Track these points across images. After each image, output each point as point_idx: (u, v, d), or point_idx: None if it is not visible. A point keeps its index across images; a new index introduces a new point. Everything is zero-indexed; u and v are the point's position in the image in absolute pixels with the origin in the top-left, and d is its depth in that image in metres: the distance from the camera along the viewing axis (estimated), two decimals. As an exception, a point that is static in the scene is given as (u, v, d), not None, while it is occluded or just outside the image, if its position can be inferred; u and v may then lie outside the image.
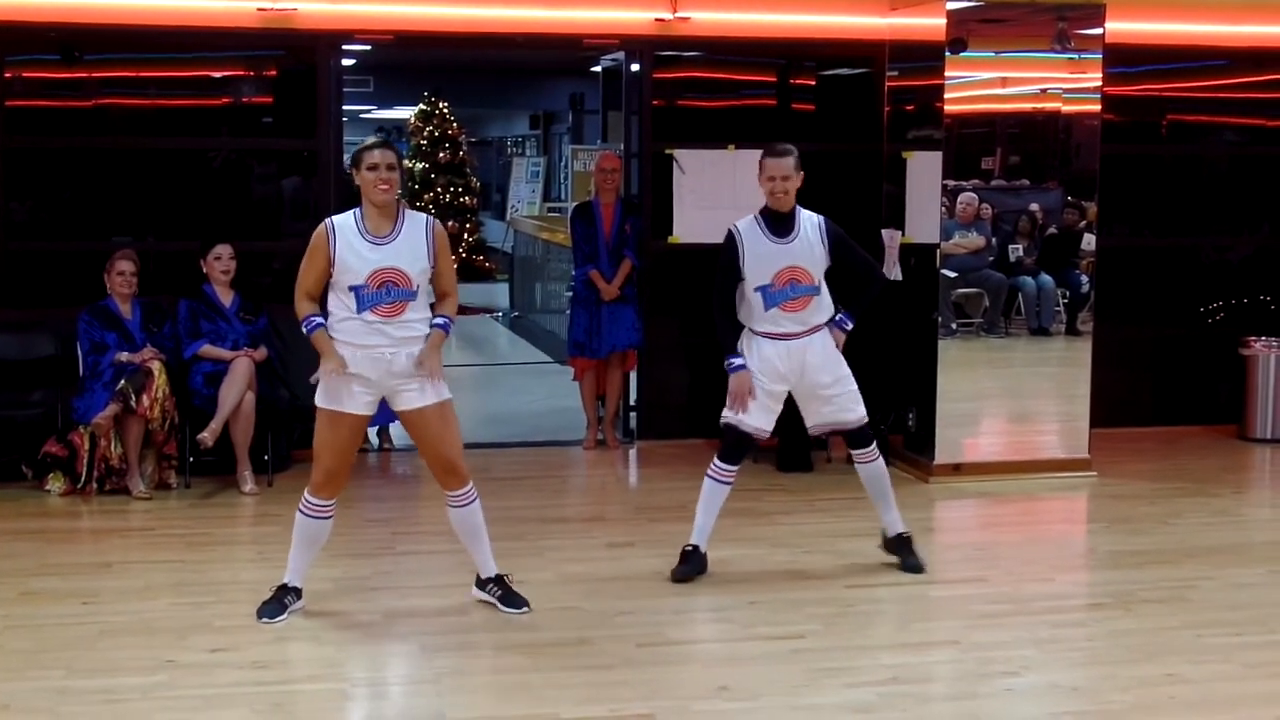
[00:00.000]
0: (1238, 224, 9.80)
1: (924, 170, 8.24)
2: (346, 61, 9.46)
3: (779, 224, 6.05)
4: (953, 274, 8.16)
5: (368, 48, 10.24)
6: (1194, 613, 5.77)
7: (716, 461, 6.16)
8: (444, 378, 5.49)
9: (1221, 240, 9.81)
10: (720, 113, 9.14)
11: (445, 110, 19.58)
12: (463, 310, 5.69)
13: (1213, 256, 9.82)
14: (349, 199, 7.95)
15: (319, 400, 5.43)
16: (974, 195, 8.17)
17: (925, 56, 8.19)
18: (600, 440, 8.93)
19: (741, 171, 7.90)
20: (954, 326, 8.23)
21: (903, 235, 8.42)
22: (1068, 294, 8.41)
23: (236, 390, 7.54)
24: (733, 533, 6.58)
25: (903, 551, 6.29)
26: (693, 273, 8.30)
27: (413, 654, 5.33)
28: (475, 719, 4.70)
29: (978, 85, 8.20)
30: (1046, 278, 8.36)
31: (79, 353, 7.72)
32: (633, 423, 9.16)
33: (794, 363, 6.05)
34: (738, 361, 6.04)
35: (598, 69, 13.42)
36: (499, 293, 17.24)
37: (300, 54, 8.56)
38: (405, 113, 20.74)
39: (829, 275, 6.12)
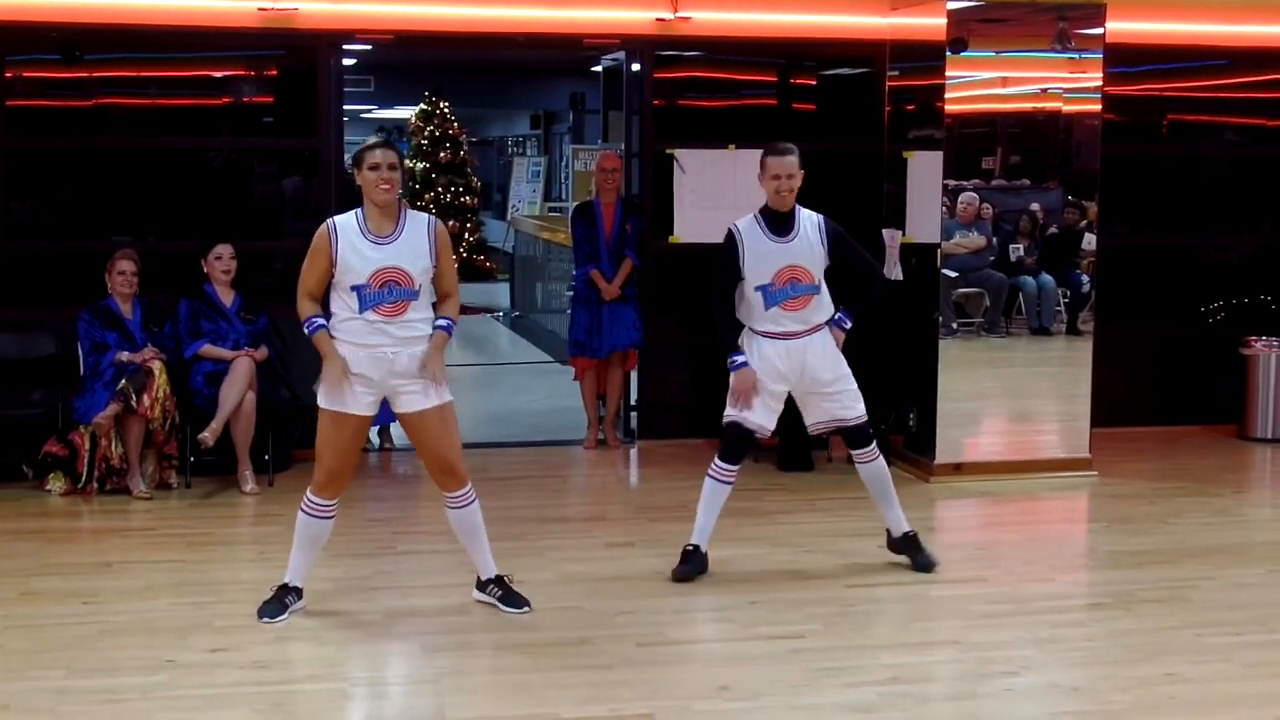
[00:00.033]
0: (1238, 224, 9.80)
1: (925, 170, 8.24)
2: (347, 61, 9.46)
3: (779, 223, 6.05)
4: (953, 274, 8.16)
5: (368, 47, 10.24)
6: (1194, 613, 5.77)
7: (717, 461, 6.16)
8: (446, 380, 5.49)
9: (1222, 240, 9.81)
10: (721, 112, 9.14)
11: (446, 110, 19.59)
12: (463, 310, 5.70)
13: (1213, 256, 9.82)
14: (350, 199, 7.95)
15: (321, 400, 5.43)
16: (975, 195, 8.17)
17: (926, 56, 8.19)
18: (601, 440, 8.94)
19: (742, 171, 7.90)
20: (955, 326, 8.23)
21: (903, 235, 8.42)
22: (1068, 294, 8.41)
23: (237, 390, 7.55)
24: (733, 532, 6.58)
25: (911, 550, 6.29)
26: (693, 272, 8.31)
27: (413, 654, 5.33)
28: (475, 719, 4.70)
29: (978, 85, 8.20)
30: (1047, 277, 8.36)
31: (79, 352, 7.73)
32: (633, 422, 9.16)
33: (794, 362, 6.05)
34: (740, 359, 6.04)
35: (598, 69, 13.43)
36: (500, 292, 17.25)
37: (301, 53, 8.56)
38: (406, 112, 20.76)
39: (829, 274, 6.13)
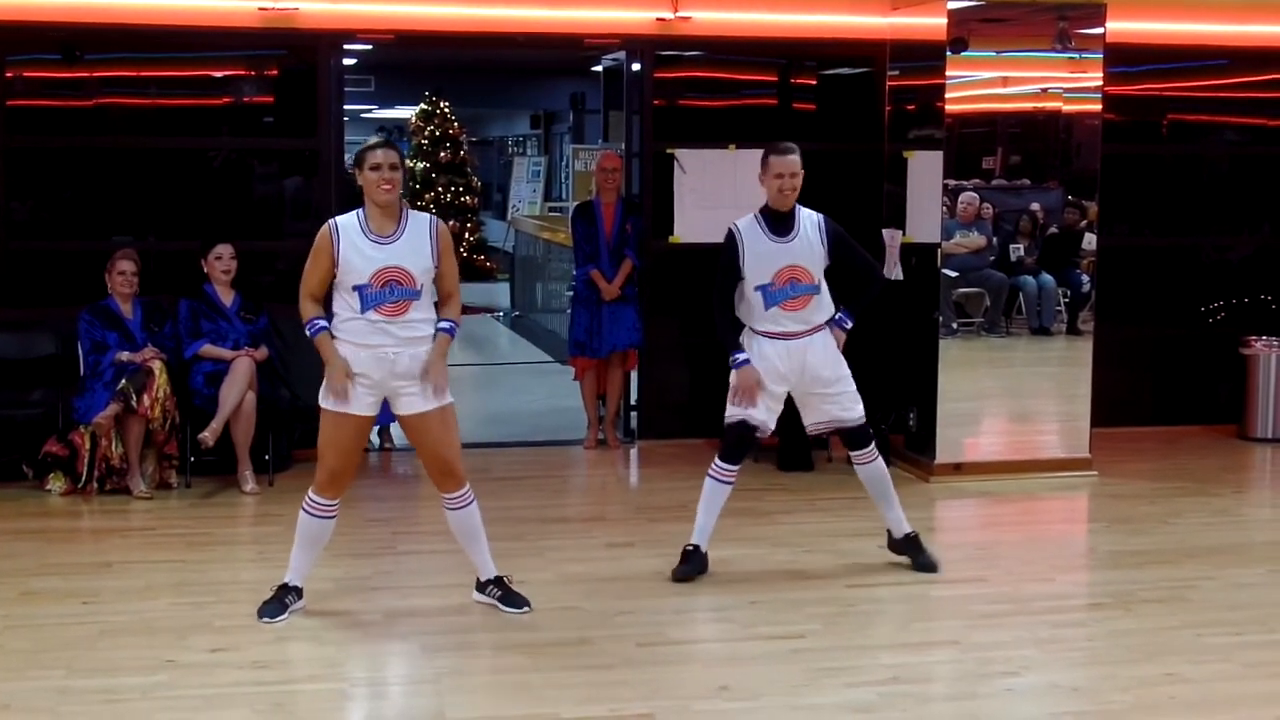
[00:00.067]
0: (1238, 224, 9.80)
1: (925, 170, 8.24)
2: (347, 61, 9.46)
3: (779, 223, 6.05)
4: (953, 273, 8.16)
5: (369, 47, 10.24)
6: (1194, 613, 5.77)
7: (718, 461, 6.15)
8: (447, 386, 5.49)
9: (1222, 240, 9.81)
10: (721, 112, 9.14)
11: (446, 110, 19.60)
12: (464, 310, 5.70)
13: (1213, 256, 9.82)
14: (350, 198, 7.95)
15: (323, 401, 5.44)
16: (975, 195, 8.17)
17: (926, 56, 8.19)
18: (601, 440, 8.94)
19: (742, 171, 7.90)
20: (955, 326, 8.23)
21: (903, 235, 8.42)
22: (1068, 293, 8.41)
23: (237, 390, 7.55)
24: (733, 532, 6.58)
25: (913, 551, 6.29)
26: (693, 272, 8.30)
27: (413, 654, 5.33)
28: (475, 719, 4.70)
29: (979, 85, 8.20)
30: (1047, 277, 8.37)
31: (80, 352, 7.73)
32: (633, 422, 9.16)
33: (794, 362, 6.05)
34: (741, 357, 6.03)
35: (599, 68, 13.42)
36: (500, 292, 17.26)
37: (301, 53, 8.56)
38: (406, 112, 20.76)
39: (829, 274, 6.13)
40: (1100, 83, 8.21)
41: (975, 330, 8.36)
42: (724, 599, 5.91)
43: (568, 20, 8.73)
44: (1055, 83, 8.22)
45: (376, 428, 8.53)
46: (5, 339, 8.07)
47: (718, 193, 8.70)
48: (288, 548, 5.64)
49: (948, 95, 7.98)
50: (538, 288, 15.22)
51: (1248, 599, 5.97)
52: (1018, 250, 8.32)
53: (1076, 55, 8.13)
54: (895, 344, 8.37)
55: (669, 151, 8.88)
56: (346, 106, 9.67)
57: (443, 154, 19.44)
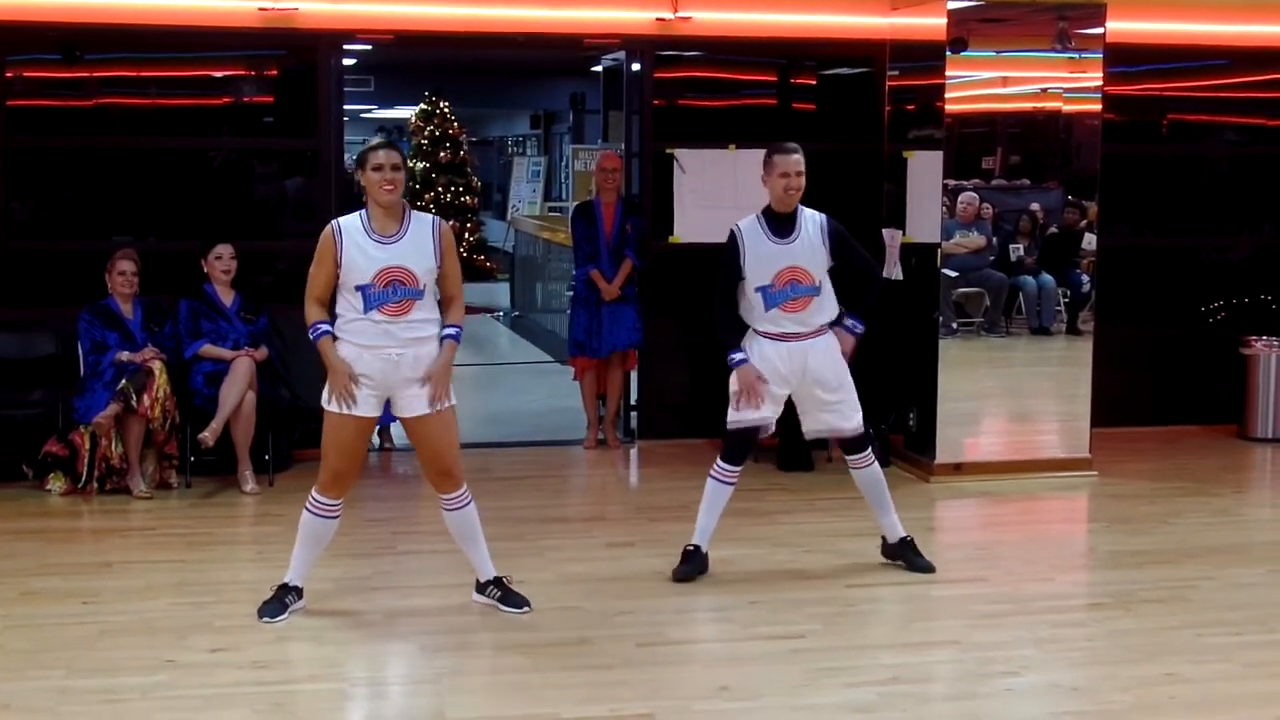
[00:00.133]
0: (1238, 224, 9.80)
1: (925, 170, 8.24)
2: (347, 61, 9.46)
3: (781, 224, 6.05)
4: (953, 273, 8.16)
5: (368, 47, 10.24)
6: (1194, 613, 5.77)
7: (719, 462, 6.15)
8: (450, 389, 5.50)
9: (1222, 240, 9.81)
10: (721, 112, 9.14)
11: (446, 110, 19.59)
12: (465, 310, 5.69)
13: (1213, 256, 9.82)
14: (350, 199, 7.96)
15: (325, 402, 5.44)
16: (974, 195, 8.17)
17: (926, 56, 8.19)
18: (601, 440, 8.94)
19: (742, 171, 7.91)
20: (955, 326, 8.23)
21: (903, 235, 8.42)
22: (1068, 293, 8.41)
23: (237, 390, 7.55)
24: (733, 532, 6.58)
25: (908, 555, 6.29)
26: (693, 273, 8.31)
27: (413, 654, 5.33)
28: (475, 719, 4.70)
29: (978, 85, 8.20)
30: (1047, 277, 8.37)
31: (80, 352, 7.73)
32: (633, 422, 9.16)
33: (795, 364, 6.04)
34: (739, 356, 6.02)
35: (599, 68, 13.43)
36: (500, 292, 17.26)
37: (301, 53, 8.56)
38: (406, 112, 20.76)
39: (830, 274, 6.12)
40: (1100, 83, 8.21)
41: (975, 330, 8.36)
42: (724, 599, 5.91)
43: (567, 20, 8.73)
44: (1055, 83, 8.22)
45: (377, 428, 8.53)
46: (5, 339, 8.07)
47: (717, 193, 8.70)
48: (288, 548, 5.65)
49: (947, 95, 7.98)
50: (538, 288, 15.22)
51: (1248, 599, 5.97)
52: (1018, 250, 8.32)
53: (1076, 55, 8.13)
54: (895, 344, 8.36)
55: (669, 151, 8.88)
56: (346, 106, 9.67)
57: (443, 154, 19.44)
